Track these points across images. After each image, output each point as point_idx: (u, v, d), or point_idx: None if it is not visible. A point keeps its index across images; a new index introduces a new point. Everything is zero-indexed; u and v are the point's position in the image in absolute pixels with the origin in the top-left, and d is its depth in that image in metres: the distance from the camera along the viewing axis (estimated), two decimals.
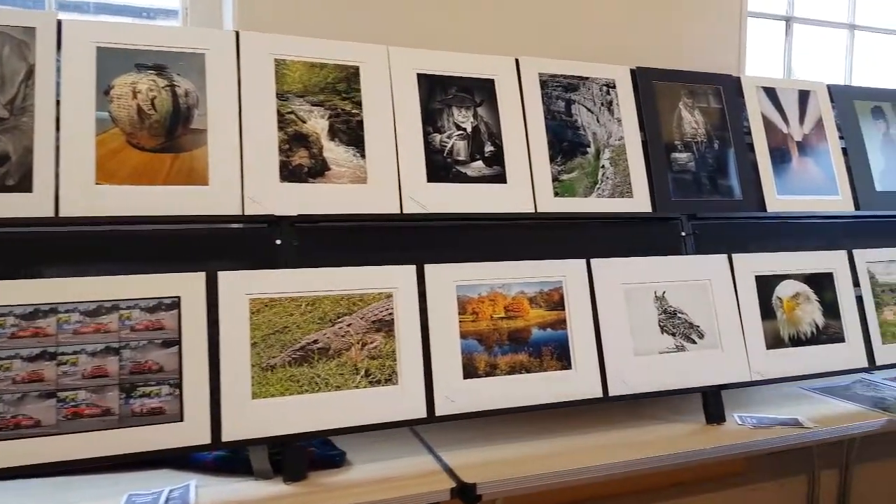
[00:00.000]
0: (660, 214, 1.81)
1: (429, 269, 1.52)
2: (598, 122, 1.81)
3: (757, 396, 1.88)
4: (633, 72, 1.87)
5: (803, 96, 2.08)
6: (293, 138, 1.50)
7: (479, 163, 1.67)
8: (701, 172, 1.88)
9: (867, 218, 2.07)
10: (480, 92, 1.70)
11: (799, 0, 2.71)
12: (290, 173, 1.48)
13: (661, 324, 1.71)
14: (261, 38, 1.53)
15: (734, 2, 2.29)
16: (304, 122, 1.52)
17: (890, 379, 2.07)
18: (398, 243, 1.57)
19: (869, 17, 2.91)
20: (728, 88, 1.97)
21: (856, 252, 1.98)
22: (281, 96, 1.51)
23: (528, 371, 1.56)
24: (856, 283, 1.96)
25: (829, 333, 1.89)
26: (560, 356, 1.60)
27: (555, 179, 1.73)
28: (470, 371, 1.51)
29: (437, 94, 1.66)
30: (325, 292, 1.43)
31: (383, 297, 1.47)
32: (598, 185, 1.77)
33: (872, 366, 1.92)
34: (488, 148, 1.68)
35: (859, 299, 1.95)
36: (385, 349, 1.45)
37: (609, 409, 1.72)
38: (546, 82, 1.78)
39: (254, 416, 1.34)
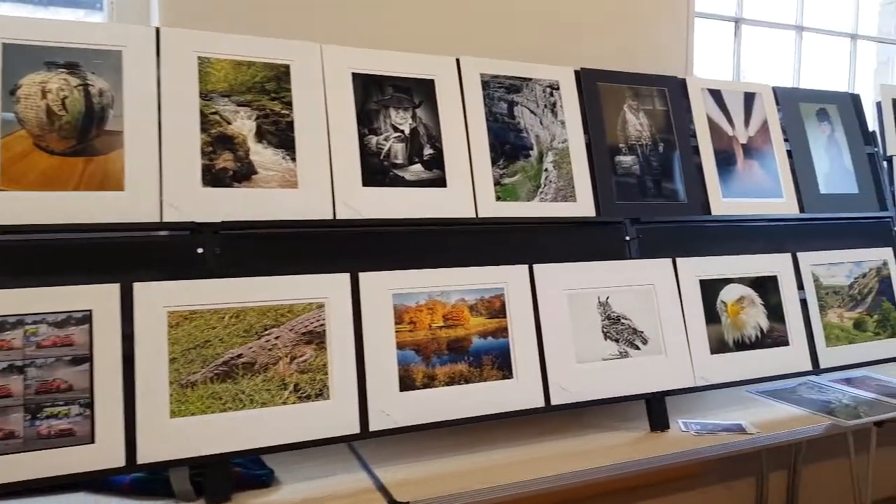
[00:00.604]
0: (603, 218, 1.77)
1: (363, 277, 1.46)
2: (541, 124, 1.77)
3: (702, 401, 1.86)
4: (577, 73, 1.84)
5: (749, 98, 2.07)
6: (217, 140, 1.42)
7: (418, 166, 1.61)
8: (645, 176, 1.85)
9: (811, 220, 2.07)
10: (419, 93, 1.65)
11: (748, 1, 2.71)
12: (213, 177, 1.40)
13: (605, 330, 1.68)
14: (183, 35, 1.45)
15: (681, 2, 2.28)
16: (230, 123, 1.44)
17: (835, 381, 2.08)
18: (331, 251, 1.49)
19: (817, 20, 2.93)
20: (673, 90, 1.95)
21: (800, 255, 1.98)
22: (204, 96, 1.43)
23: (467, 381, 1.51)
24: (800, 286, 1.96)
25: (773, 337, 1.88)
26: (501, 365, 1.55)
27: (496, 183, 1.68)
28: (407, 383, 1.45)
29: (374, 94, 1.59)
30: (251, 303, 1.36)
31: (314, 307, 1.41)
32: (540, 189, 1.73)
33: (816, 369, 1.92)
34: (427, 151, 1.63)
35: (803, 302, 1.95)
36: (316, 362, 1.39)
37: (552, 417, 1.69)
38: (488, 83, 1.73)
39: (172, 436, 1.26)
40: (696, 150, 1.94)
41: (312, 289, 1.41)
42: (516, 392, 1.55)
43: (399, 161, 1.59)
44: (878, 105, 2.48)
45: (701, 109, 1.97)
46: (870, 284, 2.10)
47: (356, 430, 1.39)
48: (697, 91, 1.98)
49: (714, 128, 1.98)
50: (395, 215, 1.55)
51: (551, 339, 1.61)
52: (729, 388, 1.79)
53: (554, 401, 1.58)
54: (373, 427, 1.40)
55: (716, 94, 2.02)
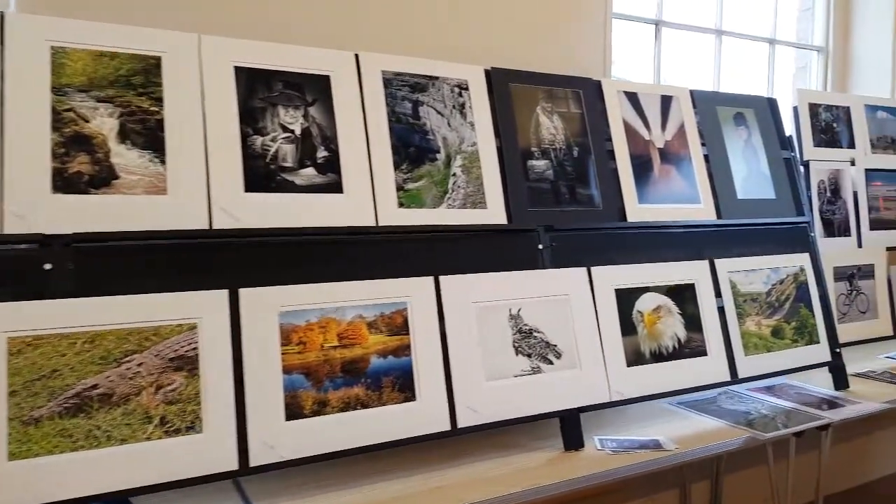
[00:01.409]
0: (515, 226, 1.67)
1: (244, 293, 1.32)
2: (448, 125, 1.66)
3: (619, 415, 1.79)
4: (487, 72, 1.74)
5: (666, 102, 2.01)
6: (72, 141, 1.25)
7: (310, 170, 1.47)
8: (559, 181, 1.76)
9: (729, 226, 2.03)
10: (313, 90, 1.51)
11: (668, 4, 2.68)
12: (65, 183, 1.23)
13: (516, 344, 1.58)
14: (33, 21, 1.28)
15: (598, 2, 2.21)
16: (87, 121, 1.27)
17: (754, 389, 2.04)
18: (207, 265, 1.33)
19: (736, 24, 2.94)
20: (589, 93, 1.87)
21: (717, 261, 1.93)
22: (58, 91, 1.26)
23: (364, 406, 1.38)
24: (718, 294, 1.91)
25: (691, 347, 1.83)
26: (402, 387, 1.43)
27: (399, 189, 1.56)
28: (294, 411, 1.32)
29: (260, 90, 1.45)
30: (109, 326, 1.19)
31: (185, 329, 1.25)
32: (448, 195, 1.62)
33: (734, 379, 1.88)
34: (321, 153, 1.49)
35: (721, 310, 1.90)
36: (186, 391, 1.23)
37: (460, 440, 1.57)
38: (390, 81, 1.61)
39: (11, 481, 1.09)
40: (612, 155, 1.87)
41: (183, 308, 1.25)
42: (420, 416, 1.43)
43: (288, 164, 1.45)
44: (795, 109, 2.48)
45: (617, 113, 1.90)
46: (787, 291, 2.07)
47: (234, 465, 1.24)
48: (613, 93, 1.91)
49: (630, 132, 1.91)
50: (283, 224, 1.41)
51: (458, 357, 1.50)
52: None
53: (461, 423, 1.47)
54: (254, 462, 1.26)
55: (632, 97, 1.95)
